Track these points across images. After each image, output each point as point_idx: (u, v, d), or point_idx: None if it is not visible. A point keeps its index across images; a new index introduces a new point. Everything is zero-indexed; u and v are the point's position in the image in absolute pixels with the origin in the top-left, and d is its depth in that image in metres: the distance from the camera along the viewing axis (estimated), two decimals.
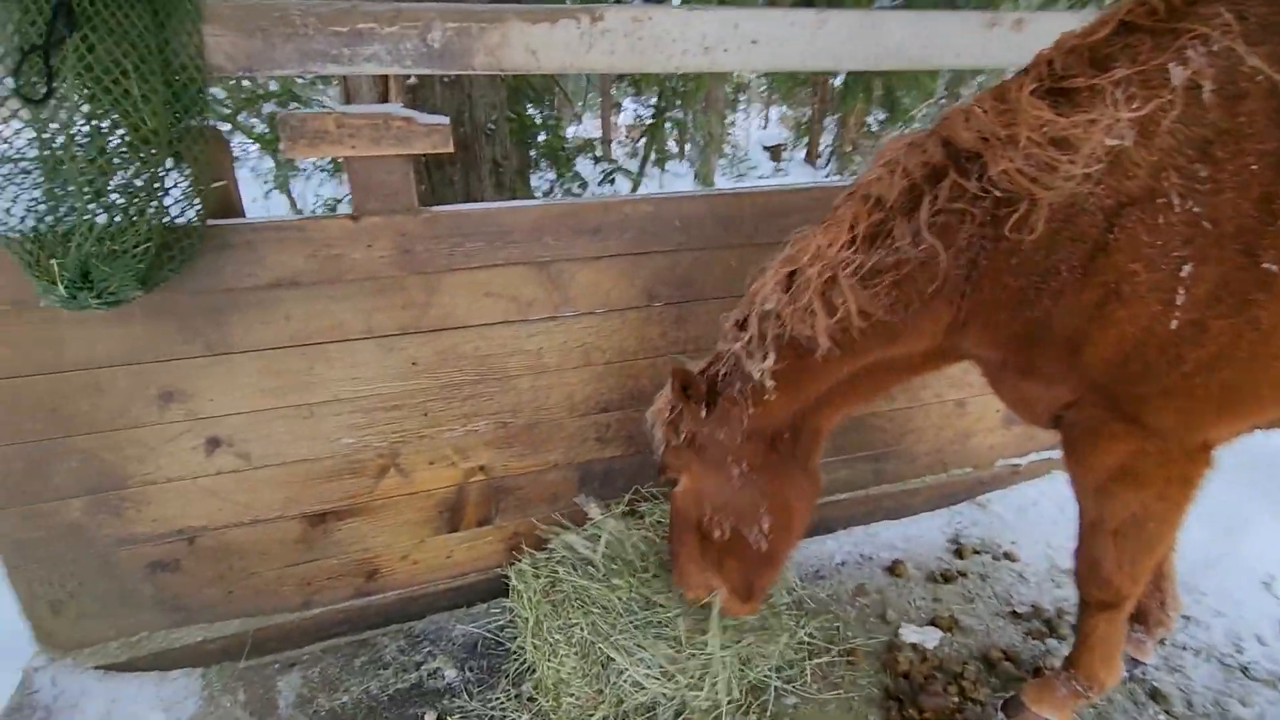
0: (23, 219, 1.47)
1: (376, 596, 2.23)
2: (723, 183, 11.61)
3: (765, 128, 21.63)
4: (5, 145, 1.48)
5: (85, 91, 1.49)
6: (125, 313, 1.73)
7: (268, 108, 6.01)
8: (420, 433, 2.12)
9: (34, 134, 1.48)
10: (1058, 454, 2.77)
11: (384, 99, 2.62)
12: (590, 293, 2.16)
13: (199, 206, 1.68)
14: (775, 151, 15.80)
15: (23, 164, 1.47)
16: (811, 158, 14.36)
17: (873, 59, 2.20)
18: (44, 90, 1.46)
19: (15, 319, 1.67)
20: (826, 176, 12.89)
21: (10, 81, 1.46)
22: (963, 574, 2.47)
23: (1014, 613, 2.29)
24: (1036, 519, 2.73)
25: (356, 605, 2.21)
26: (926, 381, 2.65)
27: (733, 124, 15.43)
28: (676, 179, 10.39)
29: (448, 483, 2.21)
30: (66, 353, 1.74)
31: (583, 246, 2.10)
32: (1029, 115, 1.33)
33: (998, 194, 1.40)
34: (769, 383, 1.65)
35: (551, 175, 6.68)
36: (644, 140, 8.19)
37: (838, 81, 9.22)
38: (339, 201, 6.69)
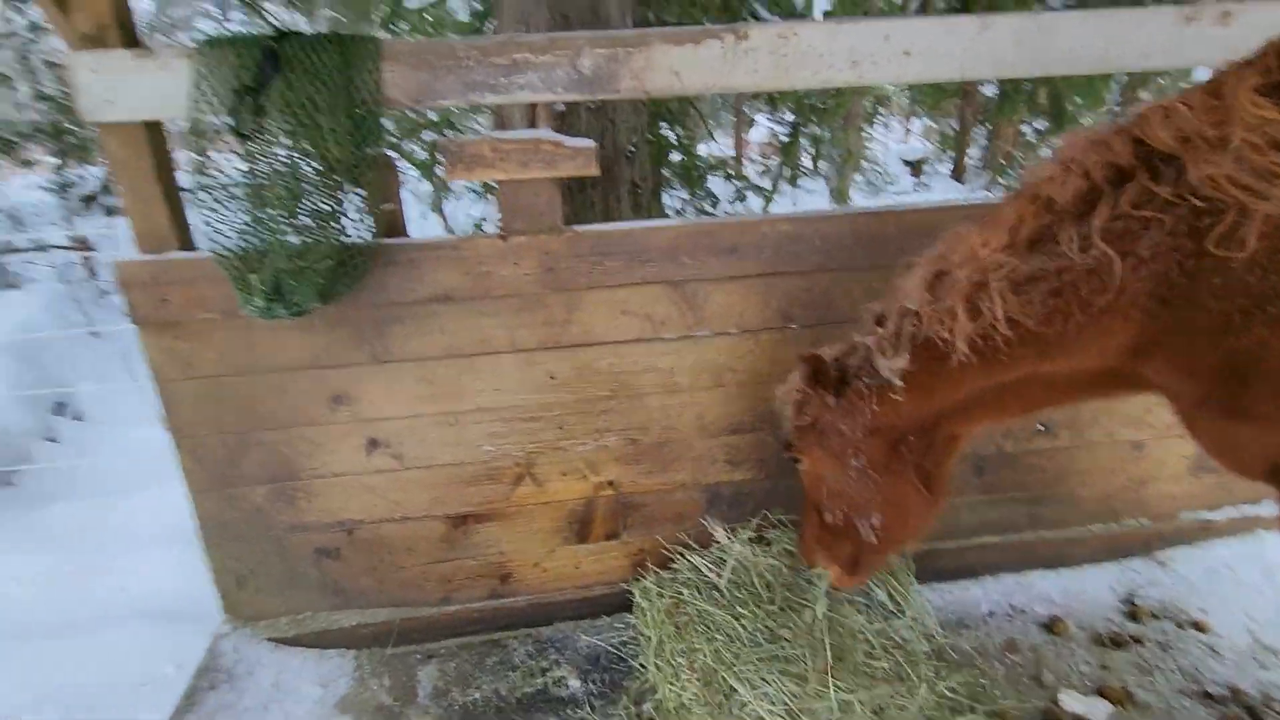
0: (231, 239, 1.69)
1: (508, 600, 2.32)
2: (859, 199, 11.20)
3: (905, 141, 20.66)
4: (221, 175, 1.71)
5: (284, 126, 1.69)
6: (307, 322, 1.93)
7: (427, 135, 6.56)
8: (555, 444, 2.19)
9: (244, 165, 1.70)
10: (1268, 510, 2.38)
11: (533, 125, 2.76)
12: (724, 313, 2.14)
13: (371, 227, 1.85)
14: (916, 166, 15.05)
15: (233, 191, 1.69)
16: (958, 172, 13.51)
17: (1041, 65, 2.03)
18: (253, 126, 1.68)
19: (222, 326, 1.92)
20: (973, 191, 12.08)
21: (227, 120, 1.69)
22: (1137, 640, 2.17)
23: (1205, 693, 1.97)
24: (1234, 585, 2.35)
25: (490, 606, 2.30)
26: (1096, 418, 2.38)
27: (870, 138, 14.88)
28: (810, 196, 10.16)
29: (578, 495, 2.26)
30: (258, 357, 1.97)
31: (718, 266, 2.08)
32: (1247, 113, 1.15)
33: (1197, 202, 1.23)
34: (897, 383, 1.57)
35: (684, 193, 6.75)
36: (777, 157, 8.08)
37: (991, 89, 8.63)
38: (484, 220, 7.14)
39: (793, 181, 8.65)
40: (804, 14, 5.47)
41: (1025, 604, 2.35)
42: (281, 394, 2.01)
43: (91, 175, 9.57)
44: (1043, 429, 2.37)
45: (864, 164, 12.48)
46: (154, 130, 1.85)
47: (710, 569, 2.18)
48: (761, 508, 2.37)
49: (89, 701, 2.07)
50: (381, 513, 2.17)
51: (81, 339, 4.47)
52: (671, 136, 6.46)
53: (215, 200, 1.67)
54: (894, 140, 20.18)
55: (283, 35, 1.69)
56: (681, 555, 2.29)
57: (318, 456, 2.09)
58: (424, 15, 7.00)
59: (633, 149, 3.25)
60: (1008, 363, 1.48)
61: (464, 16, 6.95)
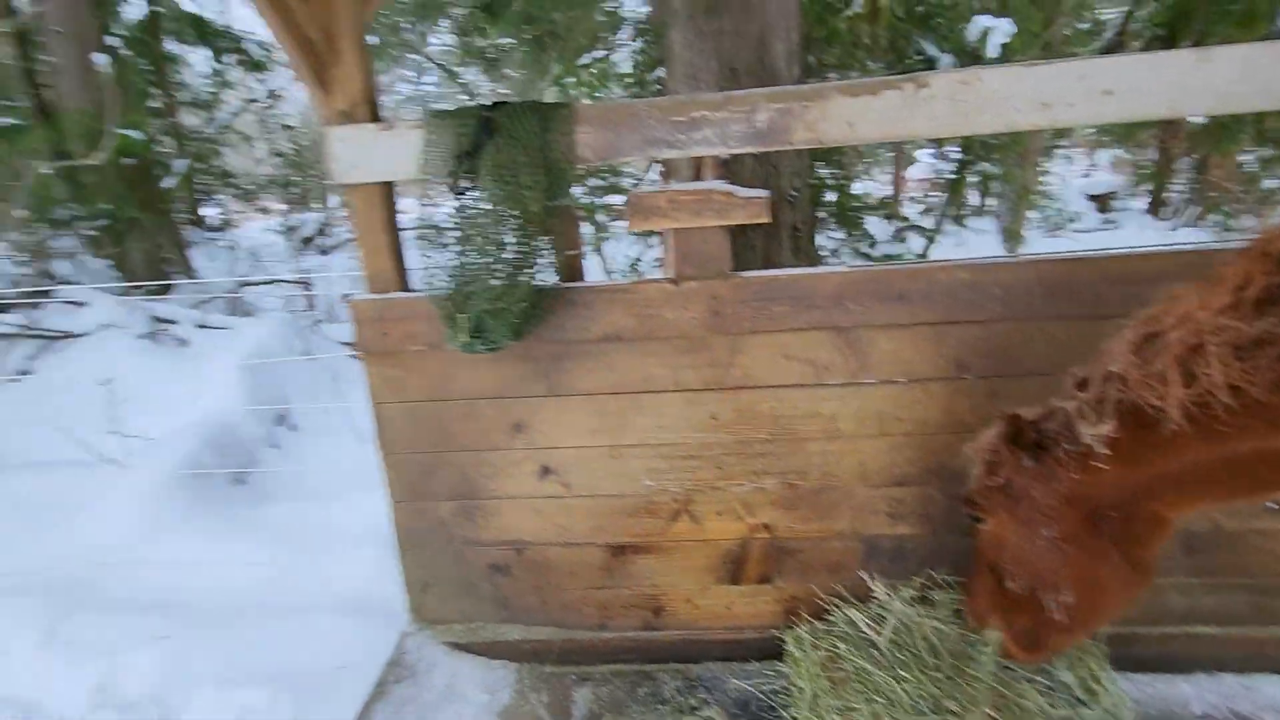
0: (444, 282, 1.93)
1: (660, 633, 2.37)
2: (1035, 239, 10.35)
3: (1089, 174, 18.83)
4: (438, 226, 1.96)
5: (491, 185, 1.92)
6: (496, 357, 2.14)
7: (590, 182, 7.02)
8: (713, 484, 2.23)
9: (457, 218, 1.94)
10: None
11: (697, 173, 2.89)
12: (891, 360, 2.09)
13: (557, 272, 2.03)
14: (1103, 201, 13.65)
15: (448, 241, 1.94)
16: (1156, 208, 12.09)
17: (1275, 98, 1.82)
18: (467, 185, 1.92)
19: (429, 357, 2.18)
20: (1175, 229, 10.74)
21: (447, 179, 1.95)
22: None
23: None
24: None
25: (643, 637, 2.37)
26: None
27: (1047, 172, 13.74)
28: (979, 236, 9.55)
29: (733, 535, 2.28)
30: (454, 385, 2.21)
31: (887, 313, 2.05)
32: None
33: None
34: (1100, 450, 1.45)
35: (839, 234, 6.63)
36: (941, 195, 7.71)
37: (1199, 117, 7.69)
38: (639, 260, 7.45)
39: (958, 220, 8.20)
40: (977, 49, 5.25)
41: (1252, 712, 2.02)
42: (470, 420, 2.24)
43: (310, 220, 11.17)
44: (1275, 506, 2.06)
45: (1041, 200, 11.54)
46: (386, 189, 2.17)
47: (869, 625, 2.10)
48: (924, 566, 2.25)
49: (296, 677, 2.38)
50: (548, 536, 2.32)
51: (300, 361, 5.20)
52: (826, 175, 6.40)
53: (434, 248, 1.93)
54: (1076, 174, 18.48)
55: (495, 106, 1.93)
56: (837, 607, 2.23)
57: (496, 479, 2.29)
58: (590, 70, 7.55)
59: (795, 193, 3.28)
60: (1231, 435, 1.33)
61: (627, 68, 7.43)
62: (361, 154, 2.07)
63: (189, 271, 8.05)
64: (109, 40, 7.70)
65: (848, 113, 1.92)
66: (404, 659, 2.27)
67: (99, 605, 2.77)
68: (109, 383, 3.93)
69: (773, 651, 2.29)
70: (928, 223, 7.34)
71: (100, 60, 7.19)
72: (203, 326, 5.72)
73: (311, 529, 3.28)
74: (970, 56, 5.31)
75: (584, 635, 2.37)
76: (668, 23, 3.12)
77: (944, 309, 2.03)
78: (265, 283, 7.35)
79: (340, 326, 6.52)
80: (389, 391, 2.21)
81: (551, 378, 2.19)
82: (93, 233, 6.81)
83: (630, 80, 7.02)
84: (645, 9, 7.54)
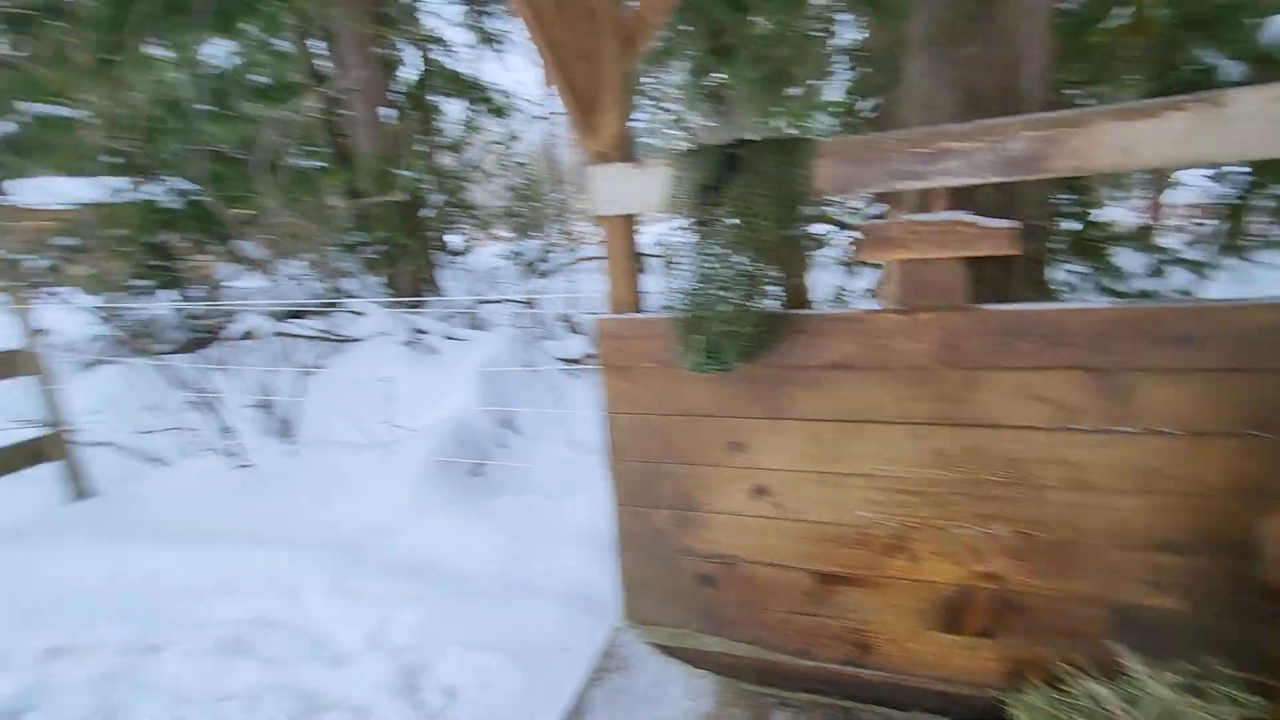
0: (682, 304, 2.09)
1: (864, 670, 2.30)
2: None
3: None
4: (682, 254, 2.14)
5: (731, 216, 2.06)
6: (721, 377, 2.26)
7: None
8: (933, 522, 2.14)
9: (698, 246, 2.10)
10: None
11: (924, 201, 2.80)
12: (1162, 409, 1.87)
13: (784, 299, 2.10)
14: None
15: (690, 267, 2.10)
16: None
17: None
18: (709, 216, 2.07)
19: (658, 373, 2.36)
20: None
21: (691, 211, 2.12)
22: None
23: None
24: None
25: (845, 672, 2.32)
26: None
27: None
28: (1268, 271, 7.97)
29: (953, 580, 2.16)
30: (679, 401, 2.36)
31: (1160, 356, 1.84)
32: None
33: None
34: None
35: (1077, 266, 5.93)
36: (1215, 223, 6.57)
37: None
38: (844, 289, 7.27)
39: (1239, 253, 6.91)
40: (1277, 54, 4.48)
41: None
42: (691, 435, 2.37)
43: (533, 247, 12.41)
44: None
45: None
46: (631, 220, 2.40)
47: (1122, 706, 1.87)
48: (1191, 649, 1.95)
49: (525, 650, 2.66)
50: (757, 554, 2.38)
51: (523, 372, 5.80)
52: (1065, 202, 5.78)
53: (674, 273, 2.10)
54: None
55: (740, 143, 2.07)
56: (1075, 678, 2.01)
57: (712, 493, 2.39)
58: (796, 101, 7.60)
59: (1037, 222, 3.05)
60: None
61: (835, 97, 7.36)
62: (616, 189, 2.32)
63: (438, 290, 9.36)
64: (391, 96, 9.28)
65: (1121, 138, 1.78)
66: (616, 651, 2.45)
67: (373, 565, 3.33)
68: (386, 380, 4.70)
69: (989, 712, 2.13)
70: (1197, 255, 6.30)
71: (386, 114, 8.70)
72: (449, 337, 6.62)
73: (535, 522, 3.64)
74: (1267, 64, 4.54)
75: (784, 659, 2.38)
76: (902, 52, 3.08)
77: (1237, 355, 1.78)
78: (497, 301, 8.30)
79: (557, 343, 7.16)
80: (621, 403, 2.43)
81: (771, 400, 2.26)
82: (372, 256, 8.20)
83: (838, 109, 6.95)
84: (861, 38, 7.45)
